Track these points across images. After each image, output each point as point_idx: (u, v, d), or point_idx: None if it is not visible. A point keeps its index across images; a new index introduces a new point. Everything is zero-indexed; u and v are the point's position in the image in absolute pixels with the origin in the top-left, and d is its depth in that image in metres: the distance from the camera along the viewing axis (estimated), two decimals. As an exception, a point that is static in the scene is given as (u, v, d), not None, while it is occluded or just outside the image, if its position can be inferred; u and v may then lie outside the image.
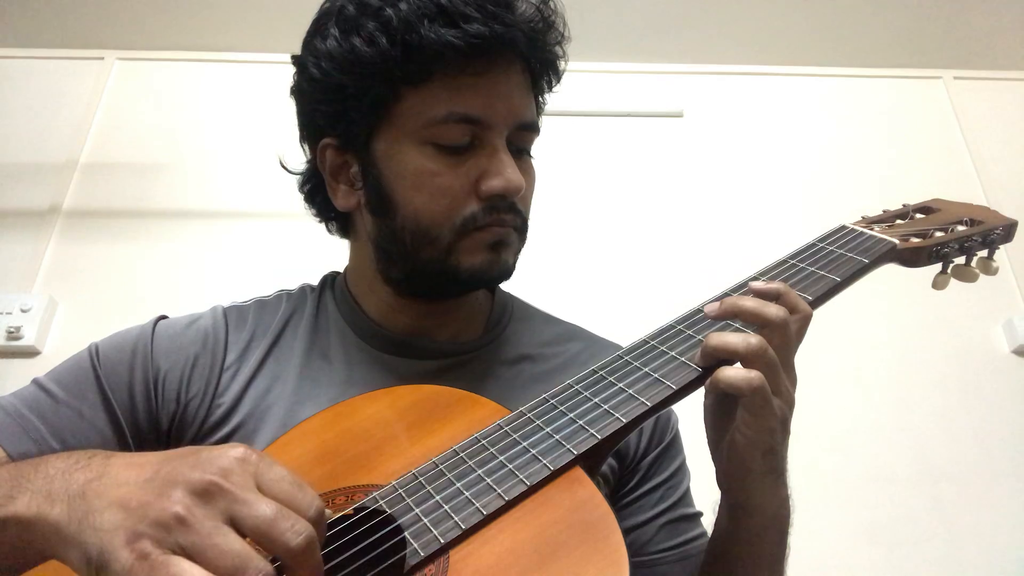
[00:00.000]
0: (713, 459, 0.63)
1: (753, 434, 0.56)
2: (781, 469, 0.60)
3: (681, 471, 0.78)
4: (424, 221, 0.67)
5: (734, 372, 0.54)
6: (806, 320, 0.60)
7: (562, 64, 0.75)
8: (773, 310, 0.56)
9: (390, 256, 0.71)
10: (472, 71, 0.65)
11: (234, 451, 0.43)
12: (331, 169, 0.72)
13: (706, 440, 0.63)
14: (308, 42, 0.71)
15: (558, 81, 0.76)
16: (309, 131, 0.74)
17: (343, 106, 0.68)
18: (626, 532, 0.71)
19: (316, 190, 0.77)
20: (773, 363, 0.55)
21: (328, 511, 0.47)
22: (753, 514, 0.61)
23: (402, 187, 0.67)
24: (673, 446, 0.78)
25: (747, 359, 0.55)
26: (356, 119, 0.68)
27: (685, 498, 0.77)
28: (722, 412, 0.60)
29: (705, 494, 0.74)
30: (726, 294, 0.64)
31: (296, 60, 0.73)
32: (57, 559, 0.43)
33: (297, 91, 0.73)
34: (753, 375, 0.54)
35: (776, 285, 0.60)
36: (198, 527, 0.39)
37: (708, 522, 0.72)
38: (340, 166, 0.72)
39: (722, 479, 0.62)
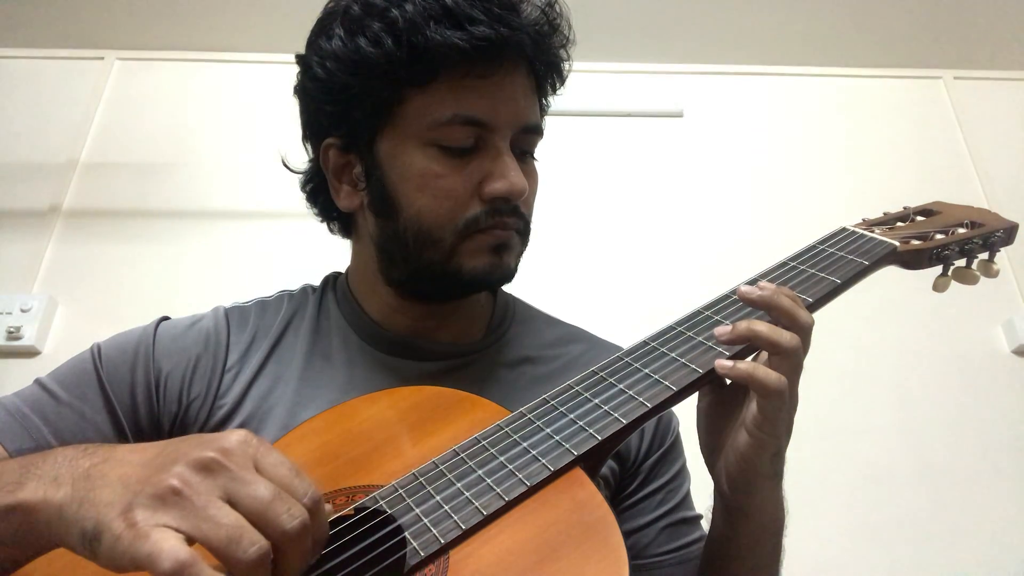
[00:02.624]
0: (708, 462, 0.62)
1: (765, 436, 0.56)
2: (782, 471, 0.60)
3: (682, 474, 0.78)
4: (427, 223, 0.67)
5: (771, 373, 0.54)
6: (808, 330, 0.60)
7: (566, 67, 0.74)
8: (787, 336, 0.56)
9: (392, 257, 0.71)
10: (477, 73, 0.65)
11: (235, 435, 0.44)
12: (334, 169, 0.72)
13: (699, 443, 0.63)
14: (312, 42, 0.71)
15: (562, 84, 0.76)
16: (312, 131, 0.74)
17: (347, 106, 0.68)
18: (627, 535, 0.70)
19: (318, 190, 0.76)
20: (799, 367, 0.56)
21: (328, 506, 0.47)
22: (753, 517, 0.61)
23: (405, 188, 0.67)
24: (674, 449, 0.78)
25: (784, 354, 0.55)
26: (360, 120, 0.68)
27: (686, 501, 0.77)
28: (720, 414, 0.60)
29: (705, 497, 0.74)
30: (729, 297, 0.64)
31: (300, 60, 0.72)
32: (60, 543, 0.43)
33: (301, 90, 0.73)
34: (783, 378, 0.54)
35: (774, 297, 0.58)
36: (194, 499, 0.39)
37: (706, 525, 0.72)
38: (343, 166, 0.72)
39: (725, 482, 0.61)
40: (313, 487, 0.44)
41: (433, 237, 0.67)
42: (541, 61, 0.71)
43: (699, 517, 0.77)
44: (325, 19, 0.71)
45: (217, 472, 0.41)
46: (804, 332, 0.57)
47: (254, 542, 0.39)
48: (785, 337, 0.55)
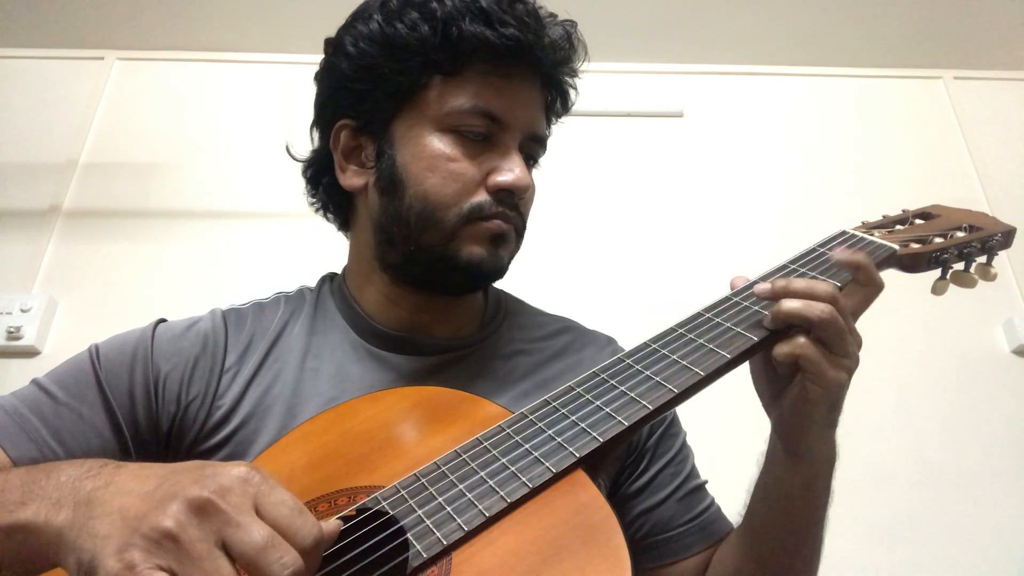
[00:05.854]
0: (767, 409, 0.65)
1: (821, 390, 0.58)
2: (838, 420, 0.63)
3: (685, 445, 0.80)
4: (432, 202, 0.69)
5: (804, 343, 0.57)
6: (878, 290, 0.63)
7: (572, 97, 0.80)
8: (823, 287, 0.58)
9: (391, 238, 0.72)
10: (499, 72, 0.70)
11: (237, 470, 0.43)
12: (343, 150, 0.75)
13: (755, 390, 0.65)
14: (349, 25, 0.75)
15: (566, 112, 0.81)
16: (327, 112, 0.76)
17: (372, 85, 0.71)
18: (647, 512, 0.74)
19: (321, 174, 0.79)
20: (841, 330, 0.57)
21: (335, 520, 0.47)
22: (809, 460, 0.64)
23: (416, 167, 0.69)
24: (674, 423, 0.80)
25: (818, 327, 0.57)
26: (381, 100, 0.71)
27: (693, 471, 0.80)
28: (774, 368, 0.61)
29: (708, 470, 0.79)
30: (730, 300, 0.64)
31: (330, 42, 0.76)
32: (59, 565, 0.43)
33: (325, 70, 0.76)
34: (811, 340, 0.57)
35: (860, 257, 0.63)
36: (188, 547, 0.39)
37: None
38: (353, 148, 0.75)
39: (781, 429, 0.64)
40: (317, 526, 0.43)
41: (436, 217, 0.69)
42: (554, 84, 0.77)
43: (706, 482, 0.80)
44: (363, 8, 0.75)
45: (212, 515, 0.41)
46: (827, 302, 0.58)
47: None
48: (821, 286, 0.58)
